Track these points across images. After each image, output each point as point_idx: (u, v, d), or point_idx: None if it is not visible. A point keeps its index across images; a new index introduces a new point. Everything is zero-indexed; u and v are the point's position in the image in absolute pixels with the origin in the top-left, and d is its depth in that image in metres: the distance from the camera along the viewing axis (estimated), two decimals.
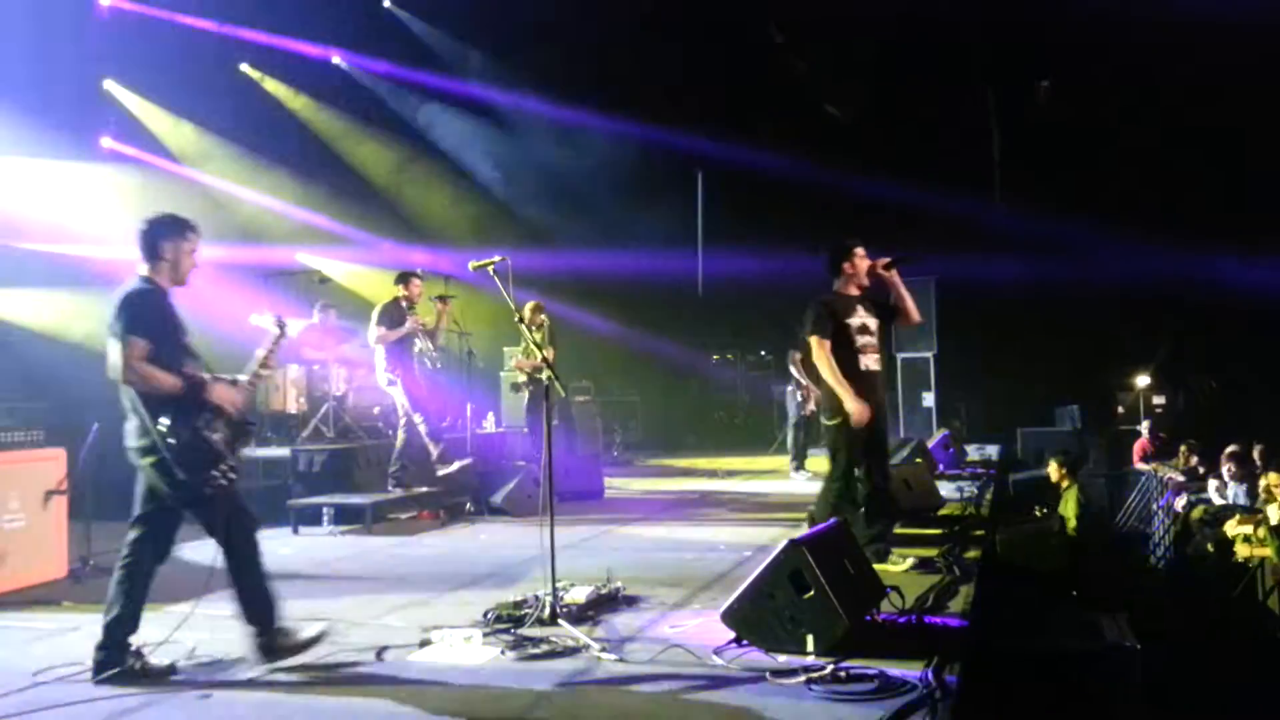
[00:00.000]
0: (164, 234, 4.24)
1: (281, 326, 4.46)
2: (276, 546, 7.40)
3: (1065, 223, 14.29)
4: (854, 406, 5.55)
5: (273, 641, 4.19)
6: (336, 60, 14.84)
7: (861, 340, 5.80)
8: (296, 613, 5.14)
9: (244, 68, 14.17)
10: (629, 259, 14.98)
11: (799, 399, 11.11)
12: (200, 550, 7.29)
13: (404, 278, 9.00)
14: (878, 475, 5.87)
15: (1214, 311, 14.51)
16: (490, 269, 5.22)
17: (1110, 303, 14.42)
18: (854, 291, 5.89)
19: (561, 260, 13.98)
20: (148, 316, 4.08)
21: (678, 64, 14.43)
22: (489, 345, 11.47)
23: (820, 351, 5.67)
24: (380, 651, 4.40)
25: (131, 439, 4.14)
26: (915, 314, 6.09)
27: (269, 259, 12.50)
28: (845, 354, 5.71)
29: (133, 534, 4.21)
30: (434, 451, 8.72)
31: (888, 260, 5.90)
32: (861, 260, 5.85)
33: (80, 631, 4.82)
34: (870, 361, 5.82)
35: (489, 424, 12.04)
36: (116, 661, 4.05)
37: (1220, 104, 13.60)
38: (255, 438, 9.72)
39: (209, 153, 13.53)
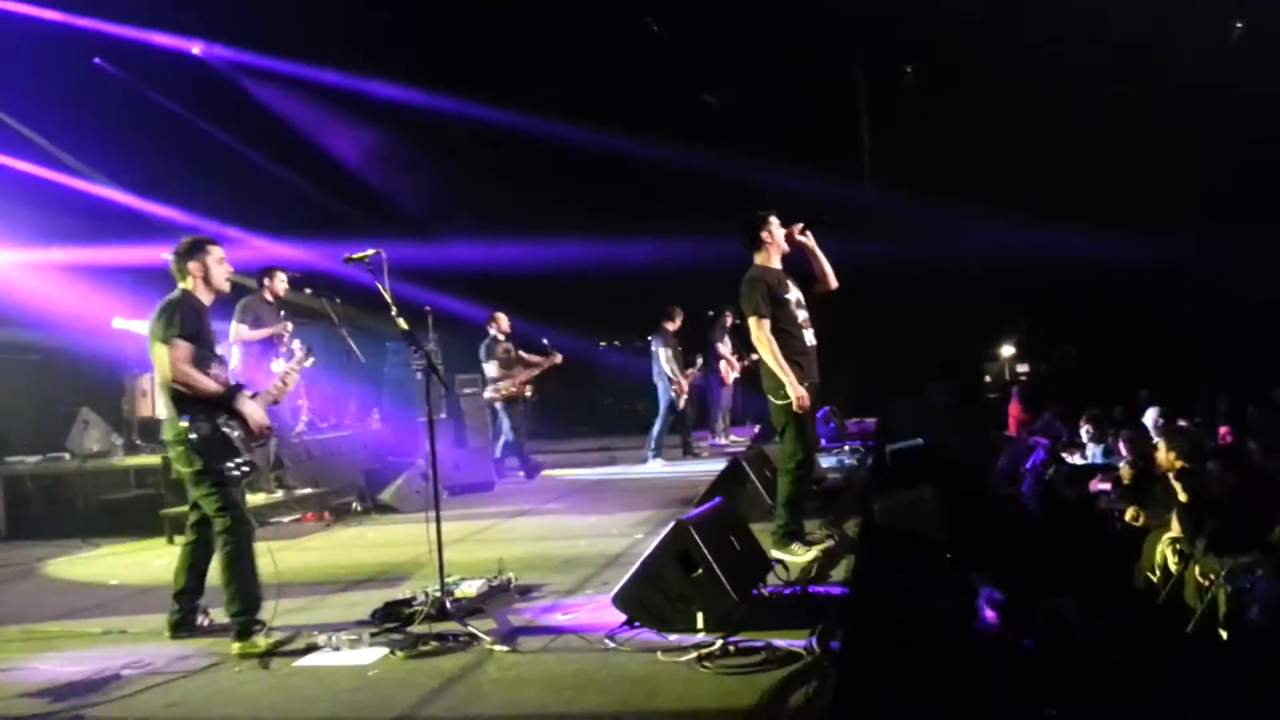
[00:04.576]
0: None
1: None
2: (151, 557, 7.15)
3: (931, 203, 14.86)
4: (796, 393, 5.33)
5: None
6: (196, 50, 14.19)
7: (802, 315, 5.59)
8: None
9: (97, 61, 13.40)
10: (515, 250, 14.86)
11: (673, 393, 11.00)
12: (65, 568, 6.99)
13: (268, 273, 8.44)
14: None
15: (1071, 284, 15.39)
16: (365, 262, 5.11)
17: (975, 278, 15.06)
18: (777, 263, 5.64)
19: (447, 252, 13.76)
20: None
21: (557, 52, 14.34)
22: (368, 340, 11.22)
23: (760, 333, 5.40)
24: (264, 658, 4.29)
25: None
26: (833, 279, 5.75)
27: (132, 259, 11.91)
28: (791, 330, 5.48)
29: None
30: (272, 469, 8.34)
31: (802, 225, 5.69)
32: (778, 227, 5.64)
33: None
34: (810, 336, 5.61)
35: (374, 421, 11.84)
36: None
37: (1077, 89, 14.34)
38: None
39: (64, 150, 12.77)
